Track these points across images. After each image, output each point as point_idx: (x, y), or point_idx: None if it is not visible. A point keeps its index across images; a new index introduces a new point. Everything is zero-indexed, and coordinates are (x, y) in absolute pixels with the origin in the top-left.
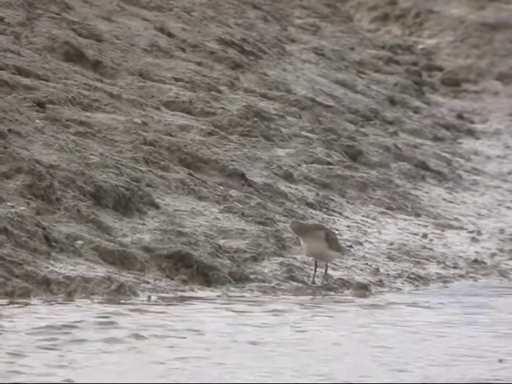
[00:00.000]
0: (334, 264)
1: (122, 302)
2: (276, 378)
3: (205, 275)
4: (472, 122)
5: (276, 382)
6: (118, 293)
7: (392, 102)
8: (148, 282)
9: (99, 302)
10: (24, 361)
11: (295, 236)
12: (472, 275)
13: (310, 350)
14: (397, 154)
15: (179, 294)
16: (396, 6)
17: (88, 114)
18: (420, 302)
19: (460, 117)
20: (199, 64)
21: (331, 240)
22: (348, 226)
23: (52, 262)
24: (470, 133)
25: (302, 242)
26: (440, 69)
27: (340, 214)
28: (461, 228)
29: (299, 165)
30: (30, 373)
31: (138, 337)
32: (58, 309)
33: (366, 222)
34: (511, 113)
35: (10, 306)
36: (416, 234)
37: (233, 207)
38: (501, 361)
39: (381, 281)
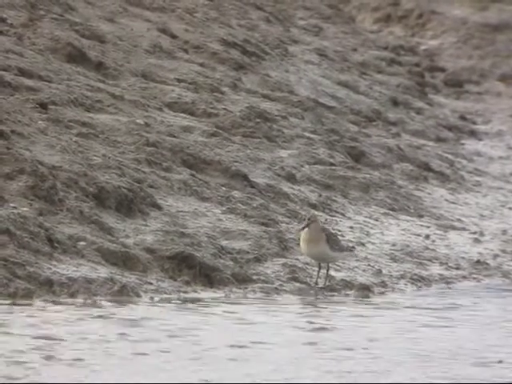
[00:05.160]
0: (337, 265)
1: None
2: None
3: (207, 276)
4: (474, 123)
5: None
6: (120, 294)
7: (394, 102)
8: (151, 283)
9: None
10: None
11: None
12: (475, 276)
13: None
14: (399, 155)
15: (182, 295)
16: (399, 7)
17: (90, 114)
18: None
19: (462, 118)
20: (202, 65)
21: (332, 242)
22: (351, 227)
23: (55, 262)
24: (473, 134)
25: (301, 244)
26: (442, 70)
27: (342, 214)
28: (463, 229)
29: (302, 166)
30: None
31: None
32: None
33: (369, 222)
34: None
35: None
36: (418, 235)
37: (235, 208)
38: (501, 361)
39: (383, 282)
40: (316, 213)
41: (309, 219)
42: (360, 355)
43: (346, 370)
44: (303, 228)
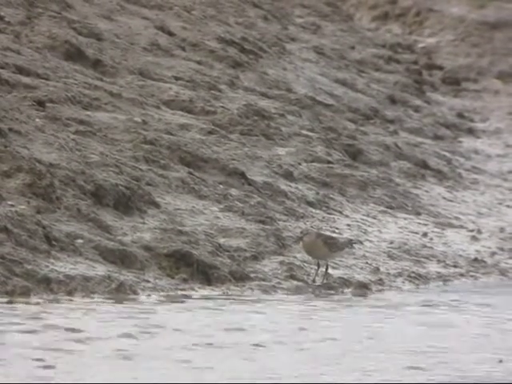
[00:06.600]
0: (335, 263)
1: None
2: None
3: (205, 274)
4: (472, 120)
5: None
6: (118, 292)
7: (392, 100)
8: (148, 281)
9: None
10: None
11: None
12: (472, 274)
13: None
14: (397, 153)
15: (179, 292)
16: (396, 5)
17: (88, 112)
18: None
19: (460, 115)
20: (199, 63)
21: (330, 245)
22: (348, 225)
23: (52, 260)
24: (471, 131)
25: (302, 247)
26: (440, 67)
27: (340, 212)
28: (461, 227)
29: (299, 163)
30: None
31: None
32: None
33: (366, 220)
34: (511, 111)
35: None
36: (416, 233)
37: (233, 206)
38: (501, 361)
39: (381, 279)
40: (313, 210)
41: (301, 232)
42: None
43: None
44: (296, 242)
